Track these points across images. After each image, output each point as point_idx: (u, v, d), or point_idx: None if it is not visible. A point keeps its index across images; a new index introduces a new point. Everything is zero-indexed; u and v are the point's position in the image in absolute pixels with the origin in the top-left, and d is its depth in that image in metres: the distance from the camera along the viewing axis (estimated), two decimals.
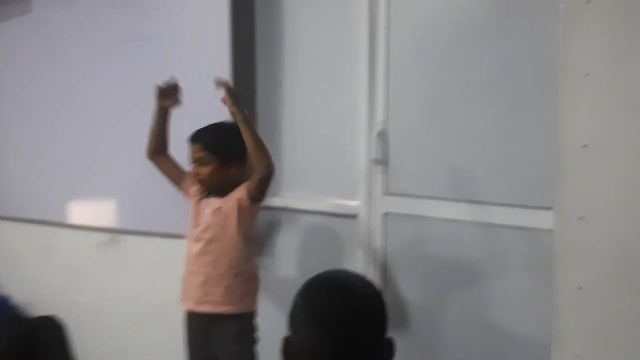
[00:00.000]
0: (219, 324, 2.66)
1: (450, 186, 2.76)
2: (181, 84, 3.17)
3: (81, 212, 3.70)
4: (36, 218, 3.84)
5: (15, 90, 3.85)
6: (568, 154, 2.31)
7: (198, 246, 2.65)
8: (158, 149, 2.86)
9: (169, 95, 2.78)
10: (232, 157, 2.63)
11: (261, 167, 2.51)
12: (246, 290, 2.68)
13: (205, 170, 2.61)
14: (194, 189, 2.75)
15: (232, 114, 2.54)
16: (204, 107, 3.14)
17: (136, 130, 3.36)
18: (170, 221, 3.35)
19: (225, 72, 3.06)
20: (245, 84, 3.17)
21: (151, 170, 3.32)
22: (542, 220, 2.50)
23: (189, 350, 2.79)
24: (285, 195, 3.17)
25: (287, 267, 3.15)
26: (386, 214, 2.91)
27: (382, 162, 2.90)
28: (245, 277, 2.68)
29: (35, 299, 3.94)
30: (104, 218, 3.59)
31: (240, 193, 2.61)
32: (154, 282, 3.49)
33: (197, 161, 2.62)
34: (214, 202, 2.66)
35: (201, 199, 2.70)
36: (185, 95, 3.20)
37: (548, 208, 2.47)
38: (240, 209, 2.61)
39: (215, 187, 2.65)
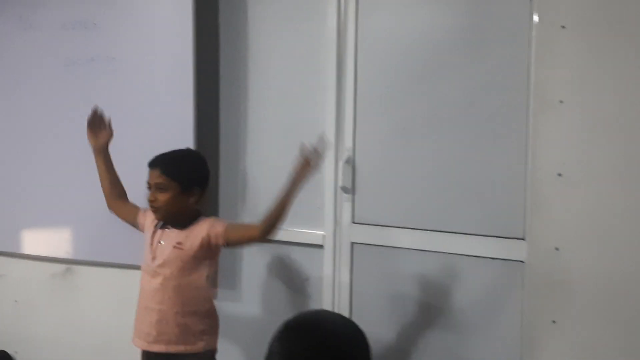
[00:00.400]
0: None
1: (420, 215, 2.68)
2: (142, 106, 3.10)
3: (33, 241, 3.54)
4: None
5: None
6: (542, 182, 2.26)
7: (154, 282, 2.51)
8: (117, 196, 2.77)
9: (99, 127, 2.73)
10: (192, 186, 2.50)
11: (263, 232, 2.41)
12: (204, 329, 2.54)
13: (163, 197, 2.47)
14: (149, 219, 2.62)
15: (298, 179, 2.40)
16: (165, 131, 3.05)
17: (92, 157, 3.25)
18: (125, 252, 3.22)
19: (188, 95, 2.97)
20: (207, 109, 3.06)
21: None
22: (514, 251, 2.44)
23: None
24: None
25: (250, 299, 3.03)
26: (353, 244, 2.81)
27: (349, 190, 2.81)
28: (204, 315, 2.54)
29: None
30: (57, 248, 3.44)
31: (210, 230, 2.47)
32: (110, 314, 3.35)
33: (155, 187, 2.48)
34: (172, 235, 2.52)
35: (157, 229, 2.57)
36: (147, 117, 3.11)
37: (521, 239, 2.40)
38: (208, 247, 2.48)
39: (171, 216, 2.51)
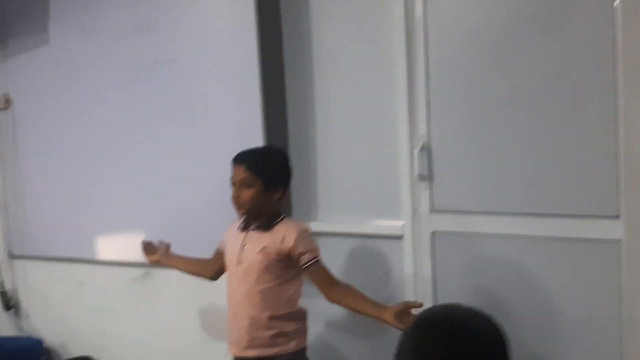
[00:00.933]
0: None
1: (503, 199, 2.58)
2: (208, 106, 3.08)
3: (111, 248, 3.57)
4: (65, 256, 3.72)
5: (36, 124, 3.76)
6: (636, 156, 2.12)
7: (242, 287, 2.47)
8: (208, 269, 2.81)
9: (152, 250, 2.94)
10: (276, 182, 2.46)
11: (333, 299, 2.44)
12: (296, 328, 2.50)
13: (247, 194, 2.43)
14: (229, 233, 2.61)
15: (384, 319, 2.27)
16: (233, 131, 3.02)
17: (164, 159, 3.26)
18: (203, 253, 3.20)
19: (255, 93, 2.93)
20: (275, 105, 3.01)
21: (181, 201, 3.21)
22: (609, 230, 2.32)
23: None
24: (323, 218, 3.00)
25: None
26: (434, 233, 2.72)
27: (427, 177, 2.72)
28: (295, 315, 2.50)
29: (68, 339, 3.82)
30: (135, 253, 3.44)
31: (296, 250, 2.41)
32: (190, 316, 3.36)
33: (240, 183, 2.45)
34: (256, 239, 2.48)
35: (240, 232, 2.53)
36: (214, 119, 3.09)
37: (615, 217, 2.28)
38: (290, 259, 2.44)
39: (255, 213, 2.47)
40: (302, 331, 2.53)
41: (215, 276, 2.77)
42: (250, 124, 2.94)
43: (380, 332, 2.62)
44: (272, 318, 2.44)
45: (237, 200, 2.45)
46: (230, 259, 2.53)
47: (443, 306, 1.33)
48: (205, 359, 3.33)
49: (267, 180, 2.44)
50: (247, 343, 2.47)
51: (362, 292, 2.42)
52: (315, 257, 2.44)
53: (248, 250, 2.46)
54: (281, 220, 2.48)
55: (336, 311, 2.64)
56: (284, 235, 2.42)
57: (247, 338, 2.47)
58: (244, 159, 2.46)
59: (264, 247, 2.43)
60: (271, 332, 2.45)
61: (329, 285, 2.45)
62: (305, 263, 2.42)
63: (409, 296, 2.77)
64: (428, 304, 2.71)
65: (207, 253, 3.16)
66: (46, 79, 3.63)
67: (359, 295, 2.40)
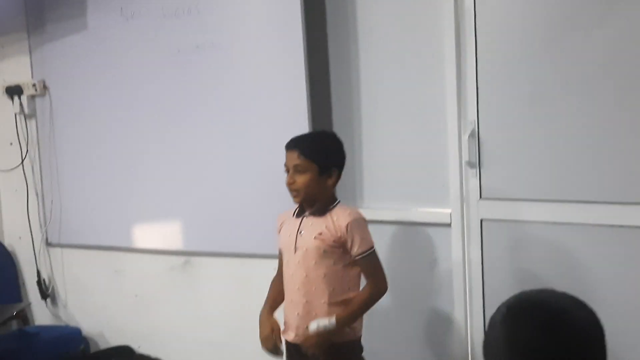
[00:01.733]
0: (325, 351, 2.45)
1: (554, 186, 2.53)
2: (252, 93, 3.05)
3: (150, 236, 3.56)
4: (103, 244, 3.71)
5: (73, 111, 3.73)
6: None
7: (298, 274, 2.44)
8: None
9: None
10: (330, 167, 2.43)
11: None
12: None
13: (302, 180, 2.40)
14: (283, 223, 2.57)
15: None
16: (277, 117, 2.99)
17: (205, 146, 3.23)
18: (243, 241, 3.20)
19: (300, 78, 2.89)
20: (320, 90, 2.98)
21: (222, 188, 3.18)
22: None
23: None
24: (368, 206, 2.95)
25: None
26: (482, 221, 2.68)
27: (475, 164, 2.67)
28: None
29: (106, 329, 3.81)
30: (175, 241, 3.43)
31: (346, 235, 2.37)
32: (231, 304, 3.33)
33: (294, 169, 2.41)
34: (312, 224, 2.44)
35: (296, 219, 2.49)
36: (258, 105, 3.05)
37: None
38: (342, 244, 2.40)
39: (310, 199, 2.44)
40: (359, 320, 2.49)
41: None
42: (296, 111, 2.91)
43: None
44: (329, 305, 2.40)
45: (292, 186, 2.42)
46: (286, 246, 2.50)
47: (536, 291, 1.26)
48: (246, 348, 3.28)
49: (322, 165, 2.40)
50: (303, 330, 2.44)
51: (362, 302, 2.42)
52: (366, 250, 2.40)
53: (304, 236, 2.43)
54: (336, 205, 2.45)
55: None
56: (337, 221, 2.39)
57: (304, 325, 2.43)
58: (297, 145, 2.43)
59: (320, 233, 2.40)
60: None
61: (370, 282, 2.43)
62: (357, 255, 2.39)
63: (457, 285, 2.74)
64: (478, 294, 2.68)
65: (246, 243, 3.15)
66: (84, 64, 3.60)
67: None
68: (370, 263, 2.41)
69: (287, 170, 2.44)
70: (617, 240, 2.41)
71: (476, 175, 2.67)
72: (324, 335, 2.37)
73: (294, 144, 2.43)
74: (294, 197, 2.45)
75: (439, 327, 2.83)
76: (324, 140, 2.51)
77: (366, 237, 2.41)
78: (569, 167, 2.49)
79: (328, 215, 2.42)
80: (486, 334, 1.23)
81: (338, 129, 2.97)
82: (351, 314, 2.40)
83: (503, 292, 2.58)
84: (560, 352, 1.12)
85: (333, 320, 2.36)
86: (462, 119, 2.68)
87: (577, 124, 2.45)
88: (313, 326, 2.37)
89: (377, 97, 2.91)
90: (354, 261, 2.40)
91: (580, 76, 2.43)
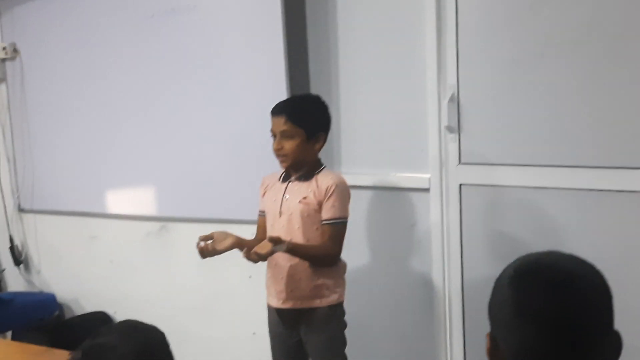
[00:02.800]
0: (307, 315, 2.45)
1: (533, 151, 2.51)
2: (229, 57, 2.99)
3: (125, 201, 3.51)
4: (77, 210, 3.66)
5: (45, 75, 3.66)
6: None
7: (284, 237, 2.37)
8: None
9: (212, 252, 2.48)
10: (317, 131, 2.40)
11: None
12: (336, 281, 2.46)
13: (289, 145, 2.37)
14: (267, 186, 2.53)
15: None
16: (254, 82, 2.94)
17: (181, 110, 3.18)
18: (220, 207, 3.17)
19: (278, 41, 2.84)
20: (297, 53, 2.92)
21: (198, 153, 3.14)
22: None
23: (274, 341, 2.58)
24: (346, 171, 2.91)
25: (355, 249, 2.89)
26: (461, 186, 2.67)
27: (455, 129, 2.64)
28: (334, 268, 2.46)
29: (81, 295, 3.78)
30: (151, 206, 3.39)
31: (324, 198, 2.36)
32: (208, 271, 3.26)
33: (281, 135, 2.38)
34: (297, 189, 2.42)
35: (281, 184, 2.46)
36: (234, 70, 3.00)
37: None
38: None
39: (298, 164, 2.41)
40: (342, 284, 2.49)
41: None
42: (273, 75, 2.87)
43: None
44: (312, 268, 2.40)
45: (280, 152, 2.40)
46: (271, 210, 2.48)
47: (543, 253, 1.22)
48: (221, 314, 3.29)
49: (309, 130, 2.37)
50: (287, 295, 2.43)
51: (313, 247, 2.39)
52: (336, 217, 2.37)
53: (290, 201, 2.41)
54: (322, 170, 2.43)
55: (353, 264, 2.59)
56: (321, 185, 2.38)
57: (287, 290, 2.43)
58: (284, 110, 2.39)
59: (305, 197, 2.39)
60: (312, 283, 2.41)
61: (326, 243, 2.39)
62: (325, 220, 2.37)
63: (436, 249, 2.74)
64: (456, 258, 2.68)
65: (222, 209, 3.12)
66: (56, 28, 3.52)
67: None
68: (334, 230, 2.38)
69: (274, 136, 2.40)
70: (595, 204, 2.41)
71: (456, 139, 2.65)
72: (268, 251, 2.26)
73: (281, 110, 2.39)
74: (282, 162, 2.43)
75: (417, 290, 2.83)
76: (311, 105, 2.47)
77: (341, 205, 2.38)
78: (549, 132, 2.47)
79: (313, 180, 2.40)
80: (492, 296, 1.20)
81: (315, 92, 2.92)
82: (299, 248, 2.34)
83: (481, 256, 2.64)
84: (569, 314, 1.10)
85: (284, 246, 2.28)
86: (441, 83, 2.65)
87: (557, 88, 2.43)
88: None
89: (355, 60, 2.87)
90: (321, 226, 2.38)
91: (562, 40, 2.40)
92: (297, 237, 2.39)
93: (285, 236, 2.36)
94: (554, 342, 1.09)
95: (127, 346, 1.40)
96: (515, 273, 1.17)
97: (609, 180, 2.37)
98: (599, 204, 2.41)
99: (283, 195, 2.44)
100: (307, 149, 2.39)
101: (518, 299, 1.14)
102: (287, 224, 2.41)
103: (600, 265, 2.17)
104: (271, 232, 2.46)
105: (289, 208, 2.41)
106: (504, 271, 1.21)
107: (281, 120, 2.37)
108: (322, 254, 2.39)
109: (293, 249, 2.31)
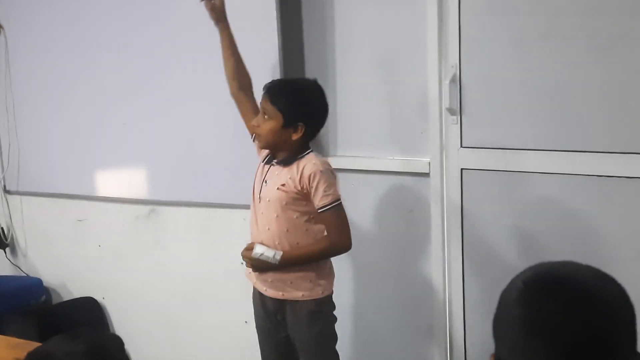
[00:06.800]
0: (290, 309, 2.37)
1: (537, 135, 2.44)
2: None
3: (114, 184, 3.42)
4: (65, 192, 3.54)
5: (32, 51, 3.52)
6: None
7: (262, 226, 2.33)
8: (240, 86, 2.51)
9: None
10: (296, 120, 2.26)
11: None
12: (320, 273, 2.36)
13: (265, 126, 2.27)
14: (261, 157, 2.44)
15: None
16: (249, 61, 2.82)
17: (170, 89, 3.09)
18: (210, 190, 3.08)
19: (271, 20, 2.76)
20: (291, 30, 2.82)
21: (189, 136, 3.05)
22: None
23: (262, 336, 2.52)
24: (343, 154, 2.83)
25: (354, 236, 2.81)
26: (462, 170, 2.57)
27: (456, 111, 2.55)
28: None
29: (69, 279, 3.68)
30: (140, 190, 3.30)
31: (308, 186, 2.25)
32: (197, 254, 3.23)
33: (262, 111, 2.30)
34: (276, 174, 2.31)
35: (264, 164, 2.37)
36: None
37: None
38: (306, 196, 2.28)
39: (272, 147, 2.33)
40: (327, 276, 2.39)
41: (236, 94, 2.52)
42: (267, 56, 2.77)
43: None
44: None
45: (255, 129, 2.32)
46: (253, 193, 2.39)
47: (556, 264, 1.10)
48: (212, 300, 3.21)
49: (288, 117, 2.25)
50: (269, 284, 2.37)
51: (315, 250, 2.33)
52: (329, 203, 2.26)
53: (269, 186, 2.32)
54: (306, 155, 2.30)
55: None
56: (302, 171, 2.26)
57: (269, 279, 2.36)
58: (269, 89, 2.30)
59: (284, 184, 2.28)
60: (293, 274, 2.32)
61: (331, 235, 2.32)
62: (320, 207, 2.27)
63: (436, 236, 2.65)
64: (457, 245, 2.59)
65: (212, 193, 3.03)
66: (42, 2, 3.38)
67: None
68: (332, 216, 2.28)
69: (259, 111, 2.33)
70: (600, 190, 2.35)
71: (457, 122, 2.56)
72: (263, 263, 2.29)
73: (268, 88, 2.31)
74: (256, 141, 2.36)
75: (416, 278, 2.75)
76: (299, 92, 2.34)
77: (331, 189, 2.27)
78: (553, 115, 2.40)
79: (294, 165, 2.29)
80: (497, 312, 1.09)
81: (311, 73, 2.82)
82: (298, 257, 2.30)
83: (483, 243, 2.55)
84: (587, 335, 0.99)
85: (278, 256, 2.26)
86: (443, 63, 2.55)
87: (562, 70, 2.35)
88: (257, 250, 2.29)
89: (353, 39, 2.76)
90: (318, 214, 2.28)
91: (567, 22, 2.32)
92: (275, 227, 2.30)
93: (265, 224, 2.30)
94: None
95: (78, 346, 1.34)
96: (525, 286, 1.05)
97: (619, 166, 2.30)
98: (604, 190, 2.34)
99: (263, 179, 2.35)
100: (282, 136, 2.26)
101: (528, 317, 1.02)
102: (266, 211, 2.32)
103: (600, 253, 2.10)
104: (252, 215, 2.39)
105: (267, 194, 2.32)
106: (512, 283, 1.09)
107: (265, 97, 2.29)
108: (330, 248, 2.33)
109: (288, 259, 2.28)
